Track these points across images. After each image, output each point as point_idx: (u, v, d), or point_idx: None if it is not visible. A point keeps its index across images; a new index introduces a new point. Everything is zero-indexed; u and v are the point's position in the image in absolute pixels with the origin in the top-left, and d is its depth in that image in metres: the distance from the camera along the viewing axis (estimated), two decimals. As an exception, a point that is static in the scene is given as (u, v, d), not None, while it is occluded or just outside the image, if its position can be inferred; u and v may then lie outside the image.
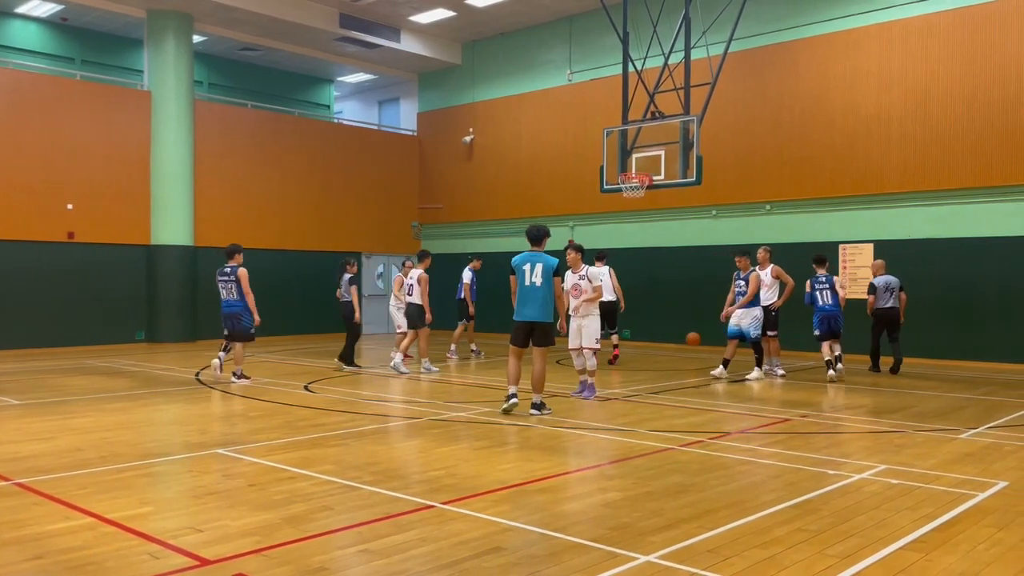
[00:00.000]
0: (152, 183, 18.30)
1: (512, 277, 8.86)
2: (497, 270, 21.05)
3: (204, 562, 4.12)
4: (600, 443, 7.51)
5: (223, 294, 11.49)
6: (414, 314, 12.98)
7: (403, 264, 14.18)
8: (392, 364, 12.89)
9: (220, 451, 6.87)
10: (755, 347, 12.09)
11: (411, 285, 13.00)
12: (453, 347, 15.48)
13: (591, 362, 9.96)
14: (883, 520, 4.90)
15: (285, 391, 10.71)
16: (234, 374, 11.50)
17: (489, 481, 5.85)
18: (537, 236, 8.85)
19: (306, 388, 11.03)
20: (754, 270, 11.99)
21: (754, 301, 11.93)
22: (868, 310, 12.79)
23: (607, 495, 5.53)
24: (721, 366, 12.08)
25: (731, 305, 12.17)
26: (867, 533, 4.64)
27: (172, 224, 18.37)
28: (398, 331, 14.14)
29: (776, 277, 12.42)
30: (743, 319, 11.95)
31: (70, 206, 17.18)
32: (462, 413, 8.96)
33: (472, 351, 15.82)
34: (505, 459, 6.62)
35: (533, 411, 8.72)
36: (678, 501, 5.33)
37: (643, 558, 4.20)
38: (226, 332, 11.59)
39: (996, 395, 10.58)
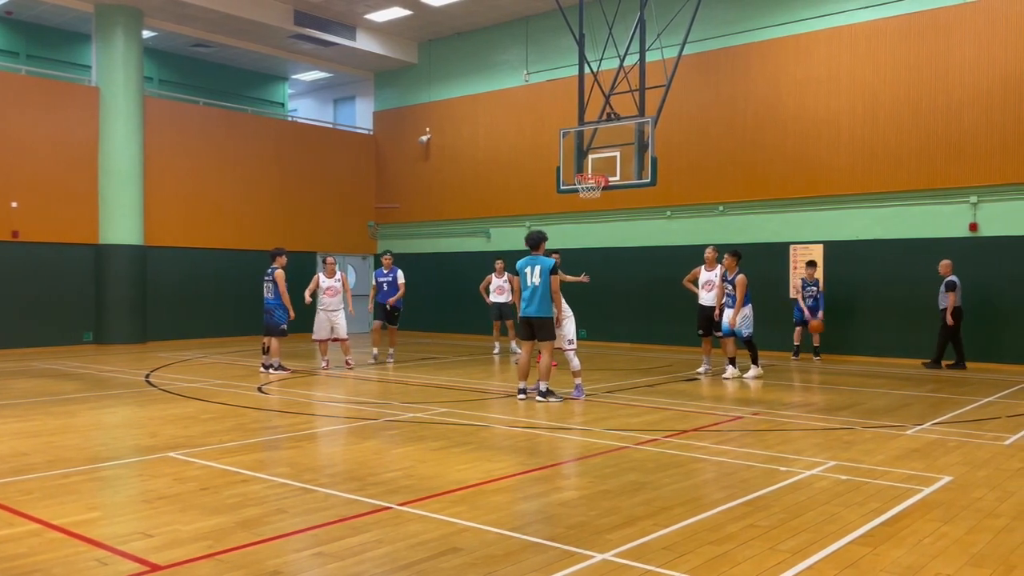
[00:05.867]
0: (100, 181, 17.89)
1: (516, 279, 9.99)
2: (454, 271, 21.08)
3: (155, 567, 4.05)
4: (557, 442, 7.55)
5: (265, 294, 12.87)
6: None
7: (324, 261, 13.70)
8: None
9: (171, 454, 6.75)
10: (748, 346, 12.20)
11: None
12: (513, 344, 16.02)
13: (573, 363, 10.22)
14: (833, 515, 5.00)
15: (238, 393, 10.56)
16: (271, 366, 12.68)
17: (446, 482, 5.84)
18: (535, 241, 9.89)
19: (259, 390, 10.89)
20: (740, 272, 11.92)
21: (744, 301, 11.92)
22: (949, 309, 13.28)
23: (564, 494, 5.56)
24: (729, 366, 12.26)
25: (722, 308, 12.23)
26: (817, 528, 4.74)
27: (121, 223, 17.96)
28: (326, 337, 13.39)
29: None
30: (733, 319, 12.03)
31: (15, 204, 16.70)
32: (419, 414, 8.93)
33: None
34: (462, 459, 6.62)
35: (539, 399, 9.71)
36: (634, 499, 5.38)
37: (599, 556, 4.23)
38: (265, 329, 12.90)
39: (941, 392, 10.87)
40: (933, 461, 6.57)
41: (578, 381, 10.20)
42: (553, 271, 9.65)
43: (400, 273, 14.55)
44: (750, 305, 12.15)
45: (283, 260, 12.90)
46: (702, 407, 9.55)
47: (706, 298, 12.60)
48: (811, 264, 14.86)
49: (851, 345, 15.16)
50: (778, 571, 4.04)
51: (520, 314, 9.90)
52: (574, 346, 10.26)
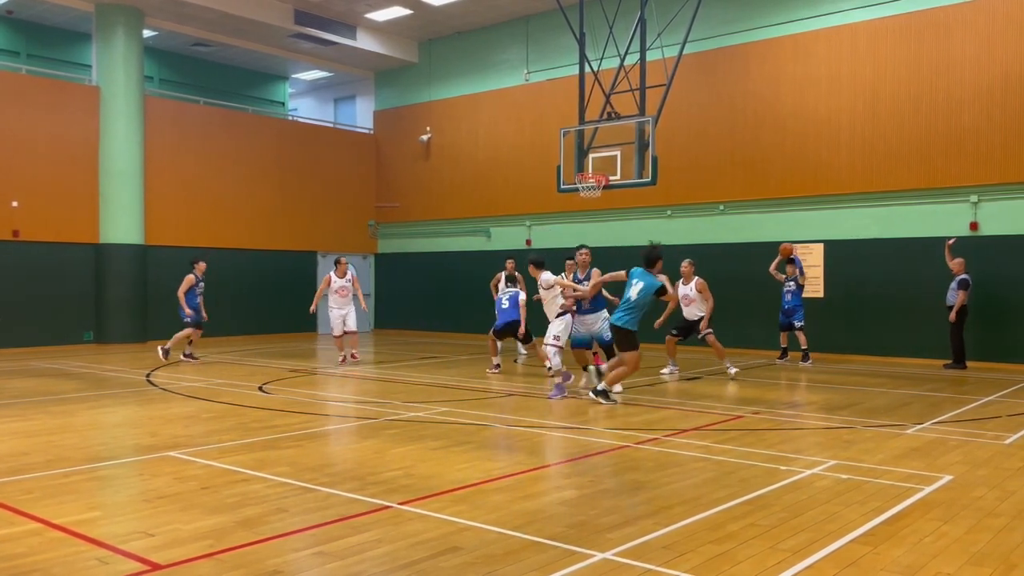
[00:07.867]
0: (101, 180, 17.89)
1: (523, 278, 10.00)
2: (454, 270, 21.07)
3: (155, 567, 4.05)
4: (557, 441, 7.55)
5: None
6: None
7: (336, 263, 14.11)
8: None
9: (172, 454, 6.75)
10: (608, 351, 10.70)
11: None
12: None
13: (554, 361, 10.24)
14: (833, 514, 5.00)
15: (239, 392, 10.56)
16: (189, 355, 14.25)
17: (446, 481, 5.84)
18: (651, 260, 9.61)
19: (260, 389, 10.89)
20: (593, 269, 10.81)
21: (601, 303, 10.70)
22: (956, 307, 13.17)
23: (564, 493, 5.56)
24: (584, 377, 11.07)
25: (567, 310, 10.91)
26: (818, 527, 4.74)
27: (122, 222, 17.96)
28: (342, 332, 14.00)
29: (700, 291, 12.11)
30: (593, 325, 10.55)
31: (15, 204, 16.70)
32: (420, 413, 8.94)
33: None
34: (462, 459, 6.62)
35: (592, 394, 9.61)
36: (634, 498, 5.38)
37: (599, 555, 4.23)
38: None
39: (941, 391, 10.86)
40: (933, 460, 6.57)
41: (558, 381, 10.17)
42: (659, 293, 9.44)
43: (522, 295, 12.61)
44: (569, 315, 10.75)
45: (201, 267, 14.18)
46: (702, 406, 9.54)
47: (687, 312, 12.37)
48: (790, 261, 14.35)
49: (851, 344, 15.15)
50: (778, 570, 4.04)
51: (610, 320, 9.69)
52: (559, 343, 10.18)
